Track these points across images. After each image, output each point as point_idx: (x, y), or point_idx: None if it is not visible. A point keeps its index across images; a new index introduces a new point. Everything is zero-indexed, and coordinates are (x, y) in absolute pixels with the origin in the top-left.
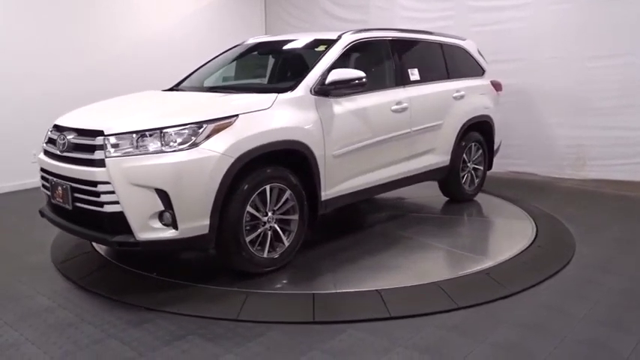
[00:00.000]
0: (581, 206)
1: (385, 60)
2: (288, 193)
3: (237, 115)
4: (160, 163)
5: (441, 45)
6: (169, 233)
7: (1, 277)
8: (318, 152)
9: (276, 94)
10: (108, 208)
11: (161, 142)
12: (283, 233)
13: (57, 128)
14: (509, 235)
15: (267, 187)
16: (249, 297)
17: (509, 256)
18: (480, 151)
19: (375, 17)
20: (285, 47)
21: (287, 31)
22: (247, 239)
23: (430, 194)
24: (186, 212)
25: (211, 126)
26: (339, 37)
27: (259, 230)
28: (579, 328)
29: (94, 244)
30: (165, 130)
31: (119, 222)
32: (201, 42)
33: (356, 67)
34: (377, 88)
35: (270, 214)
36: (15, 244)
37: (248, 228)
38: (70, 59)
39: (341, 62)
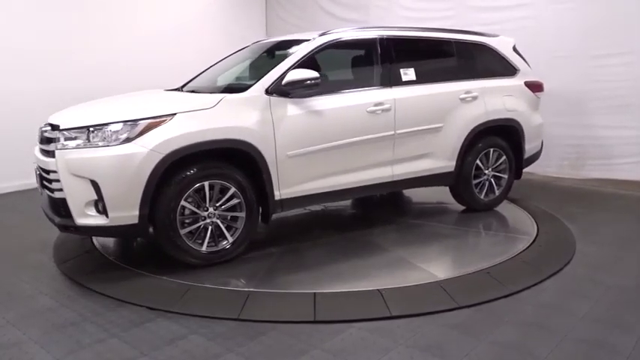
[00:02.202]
0: (581, 205)
1: (369, 60)
2: (232, 191)
3: (174, 114)
4: (93, 156)
5: (454, 43)
6: (101, 220)
7: (4, 276)
8: (267, 152)
9: (223, 95)
10: (56, 194)
11: (100, 137)
12: (229, 230)
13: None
14: (510, 234)
15: (206, 184)
16: (251, 296)
17: (510, 256)
18: (504, 157)
19: (375, 17)
20: (294, 47)
21: (288, 30)
22: (183, 232)
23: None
24: (115, 202)
25: (144, 123)
26: (314, 37)
27: (197, 225)
28: (580, 327)
29: (96, 244)
30: (104, 127)
31: (65, 207)
32: (203, 41)
33: (329, 68)
34: (351, 88)
35: (211, 209)
36: (17, 244)
37: (188, 221)
38: (73, 59)
39: (312, 63)
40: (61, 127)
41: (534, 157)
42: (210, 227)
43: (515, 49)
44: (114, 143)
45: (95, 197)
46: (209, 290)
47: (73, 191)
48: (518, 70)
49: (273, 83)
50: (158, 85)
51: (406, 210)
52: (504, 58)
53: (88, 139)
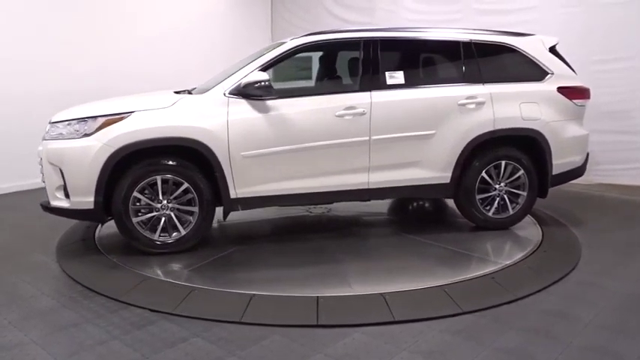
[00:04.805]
0: (586, 211)
1: (350, 63)
2: (185, 186)
3: (132, 112)
4: (61, 147)
5: (461, 44)
6: (66, 204)
7: (6, 276)
8: (219, 151)
9: (182, 95)
10: (42, 178)
11: (72, 130)
12: (182, 223)
13: None
14: (515, 239)
15: (159, 178)
16: (253, 299)
17: (515, 261)
18: (521, 171)
19: (380, 19)
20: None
21: (293, 32)
22: (136, 220)
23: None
24: (74, 188)
25: (102, 120)
26: (292, 38)
27: (150, 215)
28: (585, 334)
29: (99, 245)
30: (74, 121)
31: (45, 190)
32: (209, 42)
33: (302, 71)
34: (324, 91)
35: (164, 201)
36: (20, 244)
37: (143, 211)
38: (77, 59)
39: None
40: (51, 121)
41: (572, 173)
42: (163, 218)
43: (553, 50)
44: (76, 136)
45: (62, 183)
46: (211, 293)
47: (48, 176)
48: (551, 73)
49: (234, 85)
50: (169, 86)
51: (425, 219)
52: (532, 60)
53: (64, 132)
